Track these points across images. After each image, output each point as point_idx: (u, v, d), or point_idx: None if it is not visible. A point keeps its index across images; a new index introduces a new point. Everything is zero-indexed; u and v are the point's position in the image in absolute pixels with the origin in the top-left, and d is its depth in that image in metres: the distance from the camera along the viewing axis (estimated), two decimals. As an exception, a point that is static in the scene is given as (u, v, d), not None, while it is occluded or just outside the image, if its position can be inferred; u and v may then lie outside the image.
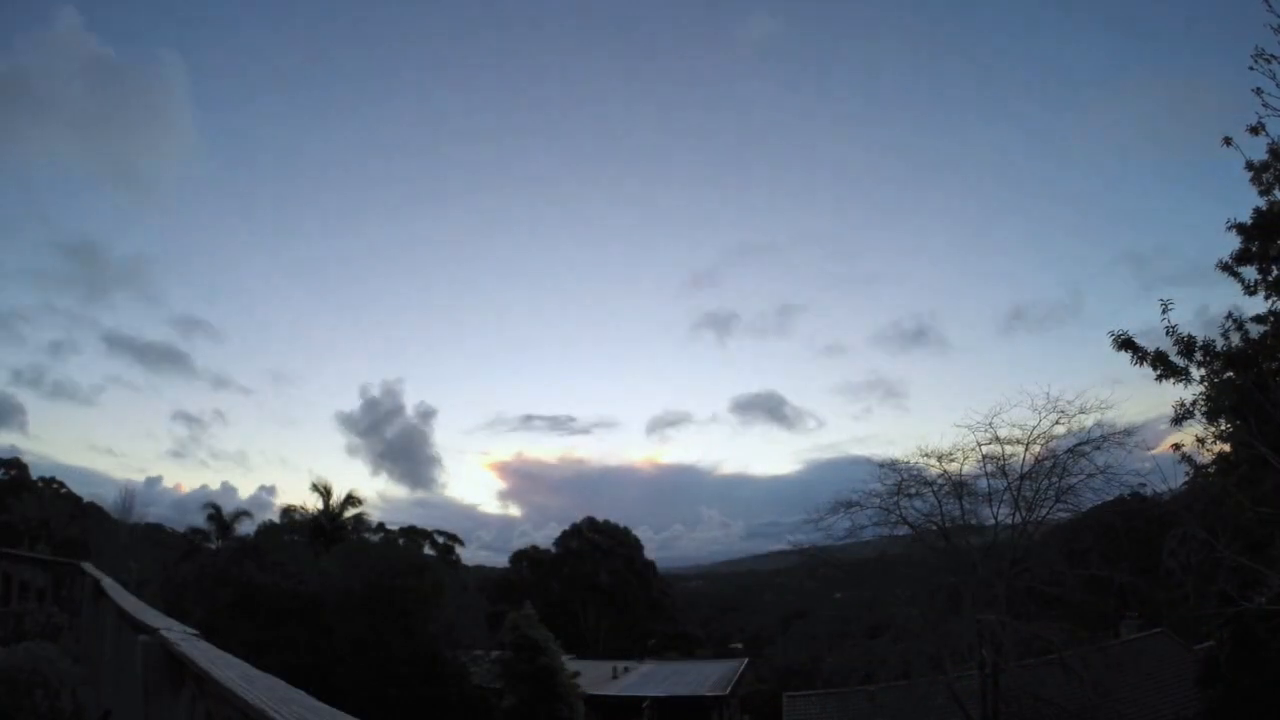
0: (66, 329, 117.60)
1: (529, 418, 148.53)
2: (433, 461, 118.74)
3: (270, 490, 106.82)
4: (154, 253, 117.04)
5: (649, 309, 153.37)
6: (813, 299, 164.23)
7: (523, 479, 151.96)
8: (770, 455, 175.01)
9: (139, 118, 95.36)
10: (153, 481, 78.47)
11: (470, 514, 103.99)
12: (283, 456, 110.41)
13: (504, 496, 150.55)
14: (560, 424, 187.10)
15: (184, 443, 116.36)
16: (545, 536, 66.34)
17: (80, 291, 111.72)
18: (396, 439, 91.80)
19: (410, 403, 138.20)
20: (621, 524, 55.68)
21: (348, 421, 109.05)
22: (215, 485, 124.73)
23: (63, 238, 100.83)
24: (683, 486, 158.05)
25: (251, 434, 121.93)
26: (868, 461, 20.15)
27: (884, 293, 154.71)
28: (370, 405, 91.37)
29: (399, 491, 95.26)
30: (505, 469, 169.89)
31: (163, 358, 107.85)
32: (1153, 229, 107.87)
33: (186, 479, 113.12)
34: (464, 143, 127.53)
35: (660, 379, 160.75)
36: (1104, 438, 17.46)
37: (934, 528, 18.82)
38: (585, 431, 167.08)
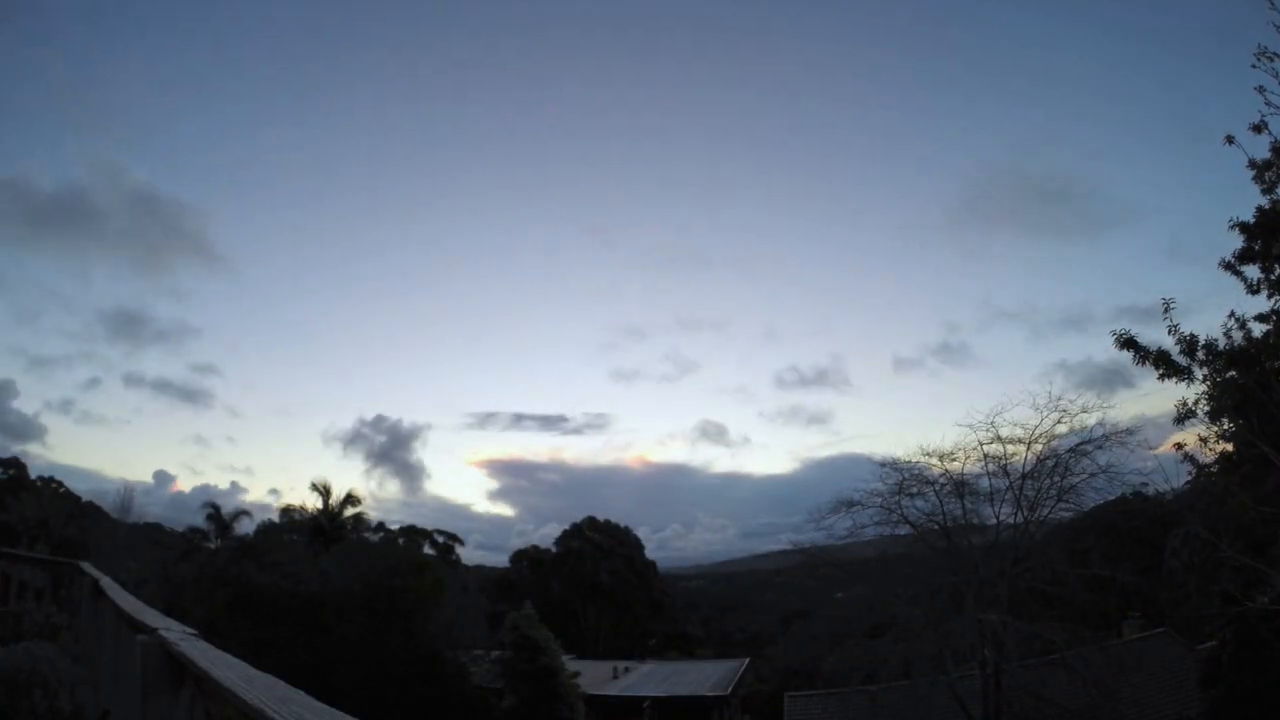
0: (104, 370, 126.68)
1: (520, 417, 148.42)
2: (426, 464, 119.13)
3: (276, 493, 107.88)
4: (180, 322, 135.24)
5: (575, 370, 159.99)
6: (702, 358, 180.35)
7: (516, 478, 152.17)
8: (767, 455, 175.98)
9: (174, 236, 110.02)
10: (160, 479, 78.18)
11: (464, 514, 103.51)
12: (284, 466, 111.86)
13: (497, 496, 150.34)
14: (552, 423, 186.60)
15: (194, 458, 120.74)
16: (542, 536, 66.45)
17: (118, 349, 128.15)
18: (391, 444, 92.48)
19: (404, 410, 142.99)
20: (621, 524, 55.79)
21: (345, 434, 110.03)
22: (224, 485, 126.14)
23: (105, 307, 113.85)
24: (678, 486, 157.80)
25: (255, 453, 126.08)
26: (867, 460, 20.19)
27: (770, 349, 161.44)
28: (366, 417, 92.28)
29: (393, 494, 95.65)
30: (498, 468, 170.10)
31: (181, 396, 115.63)
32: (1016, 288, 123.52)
33: (191, 484, 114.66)
34: (458, 148, 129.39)
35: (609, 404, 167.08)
36: (1106, 437, 17.49)
37: (935, 527, 18.80)
38: (577, 431, 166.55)
